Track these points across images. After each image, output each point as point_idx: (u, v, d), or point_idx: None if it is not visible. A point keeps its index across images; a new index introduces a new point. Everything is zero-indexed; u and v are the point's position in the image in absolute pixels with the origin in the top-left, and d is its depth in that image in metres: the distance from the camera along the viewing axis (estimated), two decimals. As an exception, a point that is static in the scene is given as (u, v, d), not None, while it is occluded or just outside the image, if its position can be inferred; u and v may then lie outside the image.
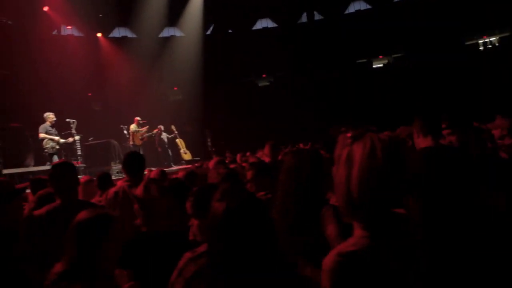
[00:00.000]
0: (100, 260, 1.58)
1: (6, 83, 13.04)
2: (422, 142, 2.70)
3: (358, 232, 1.13)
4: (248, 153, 11.02)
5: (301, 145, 9.43)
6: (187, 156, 13.91)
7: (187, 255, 1.57)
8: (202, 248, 1.59)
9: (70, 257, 1.59)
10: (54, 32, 17.32)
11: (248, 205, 1.17)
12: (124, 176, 3.75)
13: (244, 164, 5.40)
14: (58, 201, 2.47)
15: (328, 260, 1.08)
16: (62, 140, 8.76)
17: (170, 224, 1.98)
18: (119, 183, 3.82)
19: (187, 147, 14.29)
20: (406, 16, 19.55)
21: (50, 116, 8.79)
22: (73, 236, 1.63)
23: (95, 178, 4.51)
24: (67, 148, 11.20)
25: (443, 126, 2.99)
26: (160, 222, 1.90)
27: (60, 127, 10.12)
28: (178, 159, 13.96)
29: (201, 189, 1.68)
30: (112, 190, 3.39)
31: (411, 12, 19.53)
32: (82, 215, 1.69)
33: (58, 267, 1.62)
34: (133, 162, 3.49)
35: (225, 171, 2.58)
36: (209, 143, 17.05)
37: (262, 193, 3.01)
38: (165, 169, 9.43)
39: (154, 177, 3.83)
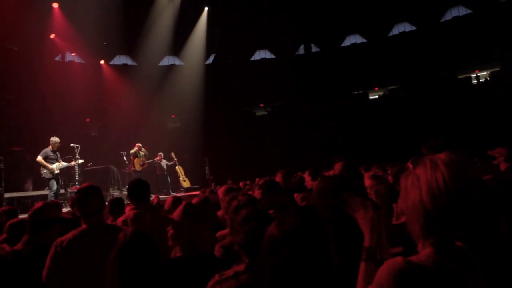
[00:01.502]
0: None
1: (9, 107, 13.11)
2: None
3: (426, 250, 1.20)
4: (248, 182, 11.05)
5: (300, 174, 9.50)
6: (186, 183, 13.84)
7: (216, 277, 1.63)
8: (230, 272, 1.64)
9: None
10: (58, 58, 17.58)
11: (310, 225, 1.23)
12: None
13: (250, 192, 5.47)
14: (83, 226, 2.47)
15: (396, 264, 1.15)
16: (64, 164, 8.65)
17: (205, 248, 2.02)
18: (126, 211, 3.82)
19: (186, 175, 14.24)
20: (401, 50, 20.22)
21: (54, 141, 8.66)
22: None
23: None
24: (66, 173, 11.17)
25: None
26: (197, 246, 1.94)
27: (64, 151, 10.14)
28: (176, 186, 13.89)
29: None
30: (121, 219, 3.35)
31: (405, 46, 20.23)
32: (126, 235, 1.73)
33: None
34: (139, 190, 3.45)
35: (247, 197, 2.62)
36: (207, 171, 17.05)
37: (271, 211, 3.04)
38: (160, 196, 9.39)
39: (169, 205, 3.85)
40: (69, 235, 2.39)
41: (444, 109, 17.27)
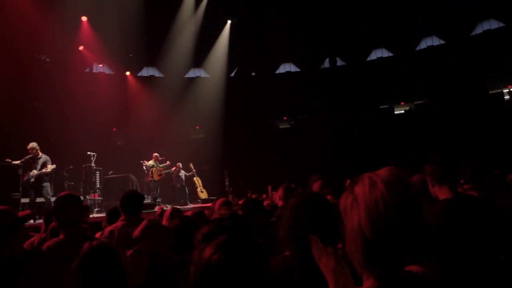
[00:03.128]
0: None
1: (38, 116, 13.68)
2: (439, 192, 2.42)
3: (368, 283, 1.07)
4: (264, 195, 10.93)
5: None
6: (203, 194, 13.87)
7: None
8: None
9: None
10: (87, 70, 18.25)
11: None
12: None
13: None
14: (61, 236, 2.44)
15: None
16: (36, 172, 7.99)
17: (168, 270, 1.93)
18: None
19: (204, 186, 14.28)
20: (429, 64, 19.68)
21: (29, 146, 7.97)
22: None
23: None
24: (86, 180, 11.45)
25: (462, 181, 2.79)
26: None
27: (83, 159, 10.41)
28: (194, 197, 13.93)
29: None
30: (108, 229, 3.30)
31: (433, 60, 19.67)
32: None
33: None
34: (130, 202, 3.39)
35: (228, 212, 2.52)
36: (227, 183, 17.05)
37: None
38: (179, 207, 9.39)
39: (167, 217, 3.79)
40: (45, 245, 2.36)
41: (474, 125, 16.56)
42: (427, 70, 19.63)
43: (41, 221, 6.64)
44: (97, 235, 3.32)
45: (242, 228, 2.08)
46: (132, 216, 3.28)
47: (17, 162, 7.80)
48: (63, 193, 2.56)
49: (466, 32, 19.60)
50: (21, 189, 7.30)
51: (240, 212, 3.03)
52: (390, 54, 22.02)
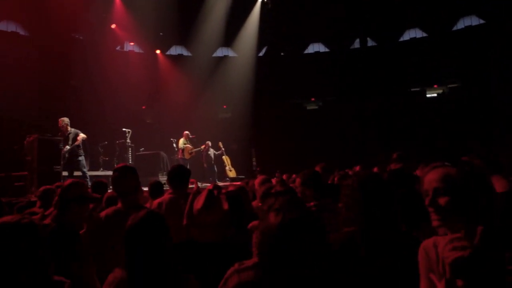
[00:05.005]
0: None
1: (74, 94, 14.10)
2: (495, 183, 2.30)
3: None
4: (294, 175, 10.98)
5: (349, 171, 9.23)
6: (231, 173, 14.05)
7: (235, 266, 1.59)
8: (249, 262, 1.59)
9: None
10: (118, 48, 18.52)
11: (302, 220, 1.16)
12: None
13: (291, 185, 5.43)
14: (119, 205, 2.56)
15: None
16: (68, 147, 8.16)
17: (217, 236, 2.00)
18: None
19: (232, 165, 14.45)
20: (466, 46, 18.85)
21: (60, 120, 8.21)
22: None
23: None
24: (119, 156, 11.80)
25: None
26: (206, 233, 1.93)
27: (116, 135, 10.70)
28: (223, 176, 14.14)
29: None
30: (156, 201, 3.45)
31: (471, 41, 18.82)
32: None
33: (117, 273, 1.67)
34: (177, 175, 3.53)
35: (284, 188, 2.58)
36: (254, 162, 17.18)
37: (311, 203, 2.99)
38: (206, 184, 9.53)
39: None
40: (103, 213, 2.49)
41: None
42: (463, 52, 18.79)
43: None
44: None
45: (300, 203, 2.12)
46: (178, 189, 3.40)
47: None
48: (120, 165, 2.68)
49: (509, 11, 18.54)
50: (62, 162, 7.61)
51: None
52: (425, 35, 21.18)
